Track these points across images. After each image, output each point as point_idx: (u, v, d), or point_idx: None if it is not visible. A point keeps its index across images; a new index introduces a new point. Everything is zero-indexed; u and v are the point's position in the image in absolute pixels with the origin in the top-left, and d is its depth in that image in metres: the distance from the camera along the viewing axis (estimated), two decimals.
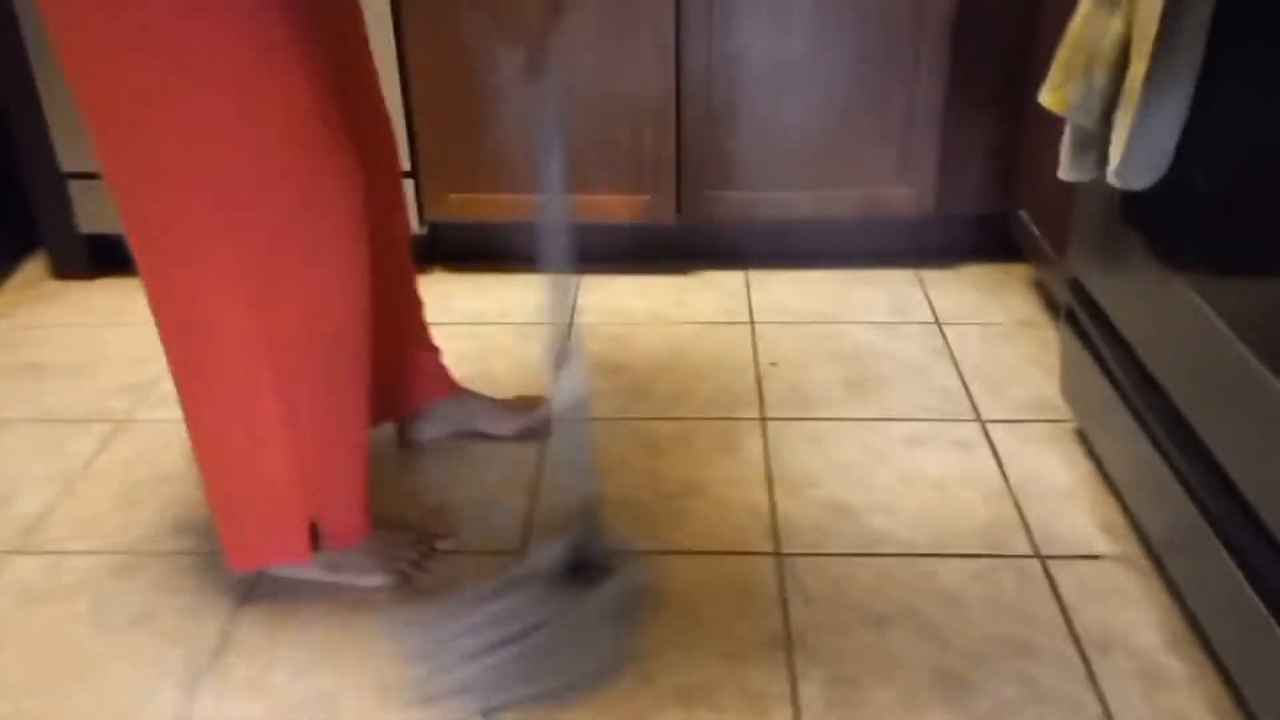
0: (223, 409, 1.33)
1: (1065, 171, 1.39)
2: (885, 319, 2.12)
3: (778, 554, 1.54)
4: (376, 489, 1.52)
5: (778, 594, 1.46)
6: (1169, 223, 1.33)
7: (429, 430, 1.76)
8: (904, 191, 2.16)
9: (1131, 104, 1.23)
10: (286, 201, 1.23)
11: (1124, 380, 1.44)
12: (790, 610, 1.43)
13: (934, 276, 2.26)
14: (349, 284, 1.33)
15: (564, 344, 1.41)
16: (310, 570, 1.46)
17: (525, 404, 1.82)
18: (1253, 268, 1.17)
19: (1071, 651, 1.36)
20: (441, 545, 1.53)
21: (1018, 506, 1.61)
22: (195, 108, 1.16)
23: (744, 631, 1.40)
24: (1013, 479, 1.67)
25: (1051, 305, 2.13)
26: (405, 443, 1.76)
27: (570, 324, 1.44)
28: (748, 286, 2.25)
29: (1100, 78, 1.30)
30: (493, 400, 1.80)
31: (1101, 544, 1.53)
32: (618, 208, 2.19)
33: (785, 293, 2.22)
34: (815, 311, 2.15)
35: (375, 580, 1.47)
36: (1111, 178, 1.29)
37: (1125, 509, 1.58)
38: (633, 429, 1.80)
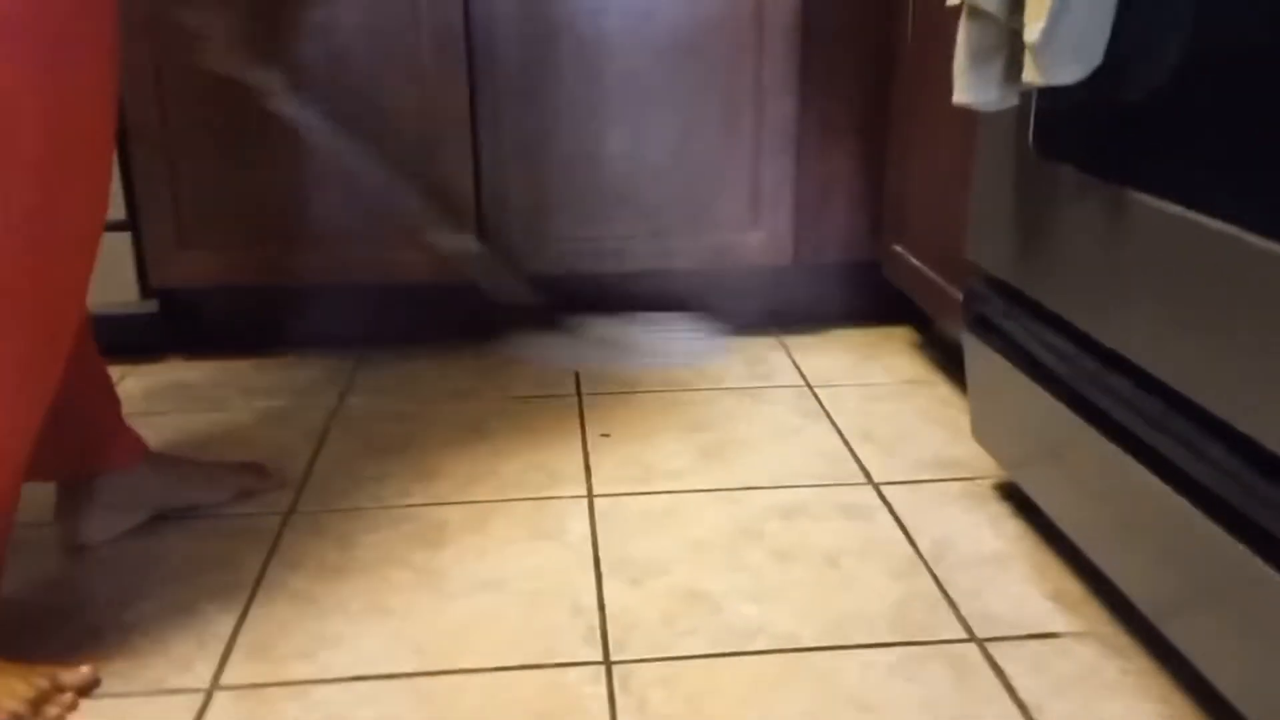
0: None
1: (963, 91, 1.04)
2: (745, 385, 1.71)
3: (607, 662, 1.04)
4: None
5: (606, 719, 0.96)
6: (1101, 140, 0.98)
7: (104, 523, 1.23)
8: (758, 236, 1.79)
9: None
10: None
11: (1073, 380, 1.04)
12: None
13: (799, 342, 1.88)
14: None
15: None
16: None
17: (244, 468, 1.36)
18: (1227, 154, 0.82)
19: None
20: (69, 683, 0.98)
21: (936, 580, 1.17)
22: None
23: None
24: (924, 548, 1.23)
25: (941, 365, 1.76)
26: (70, 544, 1.22)
27: None
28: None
29: None
30: (198, 463, 1.34)
31: (1056, 619, 1.10)
32: (409, 263, 1.75)
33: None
34: (659, 380, 1.72)
35: None
36: (1030, 74, 0.93)
37: (1081, 572, 1.16)
38: (407, 518, 1.30)
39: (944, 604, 1.12)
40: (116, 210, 1.67)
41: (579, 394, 1.68)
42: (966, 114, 1.38)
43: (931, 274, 1.57)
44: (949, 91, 1.07)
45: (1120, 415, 0.96)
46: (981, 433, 1.31)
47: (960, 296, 1.44)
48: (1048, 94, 1.04)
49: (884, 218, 1.79)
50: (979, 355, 1.26)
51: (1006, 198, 1.15)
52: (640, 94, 1.73)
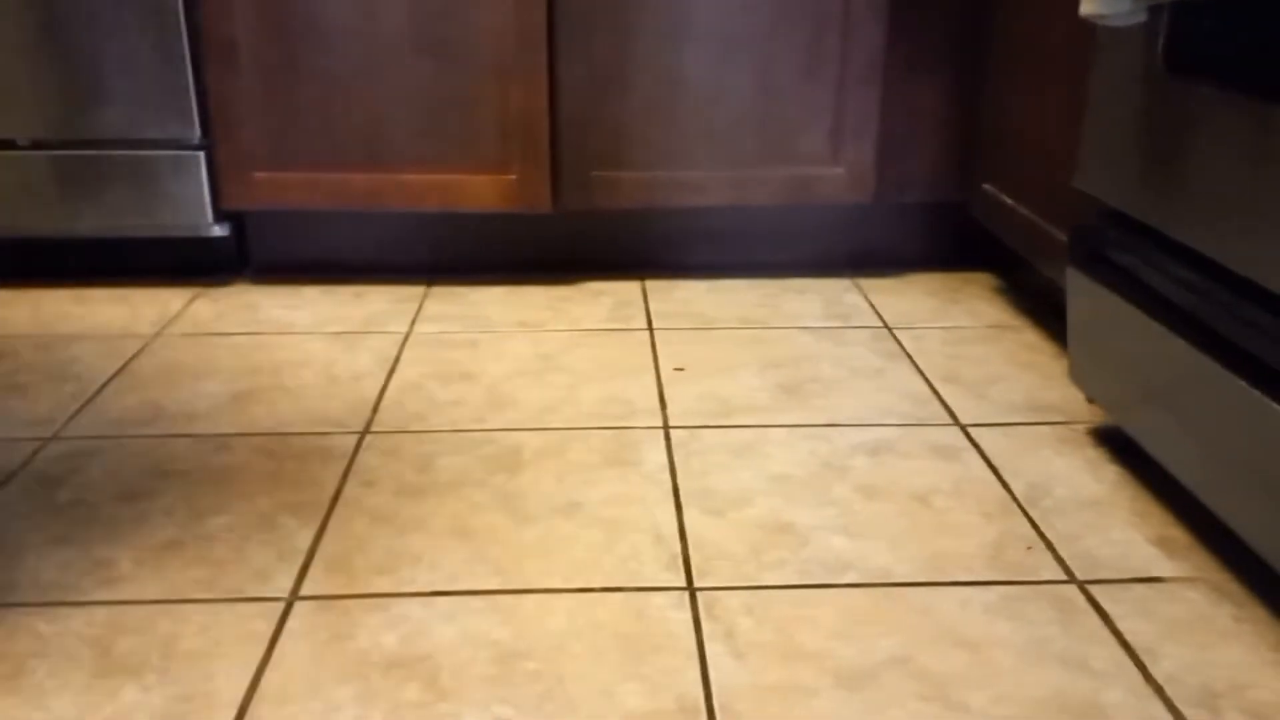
0: None
1: (1092, 1, 0.98)
2: (822, 324, 1.66)
3: (690, 589, 1.01)
4: None
5: (691, 644, 0.93)
6: (1246, 53, 0.91)
7: None
8: (838, 173, 1.74)
9: None
10: None
11: (1201, 312, 0.99)
12: (711, 666, 0.90)
13: (875, 285, 1.82)
14: None
15: None
16: None
17: None
18: None
19: (1159, 710, 0.86)
20: None
21: (1032, 522, 1.12)
22: None
23: (637, 699, 0.86)
24: (1018, 490, 1.18)
25: (1025, 310, 1.70)
26: None
27: None
28: (645, 296, 1.77)
29: None
30: None
31: (1161, 564, 1.05)
32: (478, 190, 1.72)
33: (692, 300, 1.75)
34: (733, 318, 1.68)
35: None
36: None
37: (1187, 518, 1.11)
38: (485, 441, 1.28)
39: (1042, 545, 1.08)
40: (191, 132, 1.65)
41: (650, 328, 1.64)
42: (1075, 39, 1.31)
43: (1027, 212, 1.50)
44: (1057, 15, 1.01)
45: (1255, 348, 0.90)
46: (1082, 375, 1.25)
47: (1062, 234, 1.38)
48: (1185, 5, 0.98)
49: (974, 154, 1.72)
50: (1085, 292, 1.20)
51: (1128, 122, 1.09)
52: (722, 20, 1.67)
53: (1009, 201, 1.56)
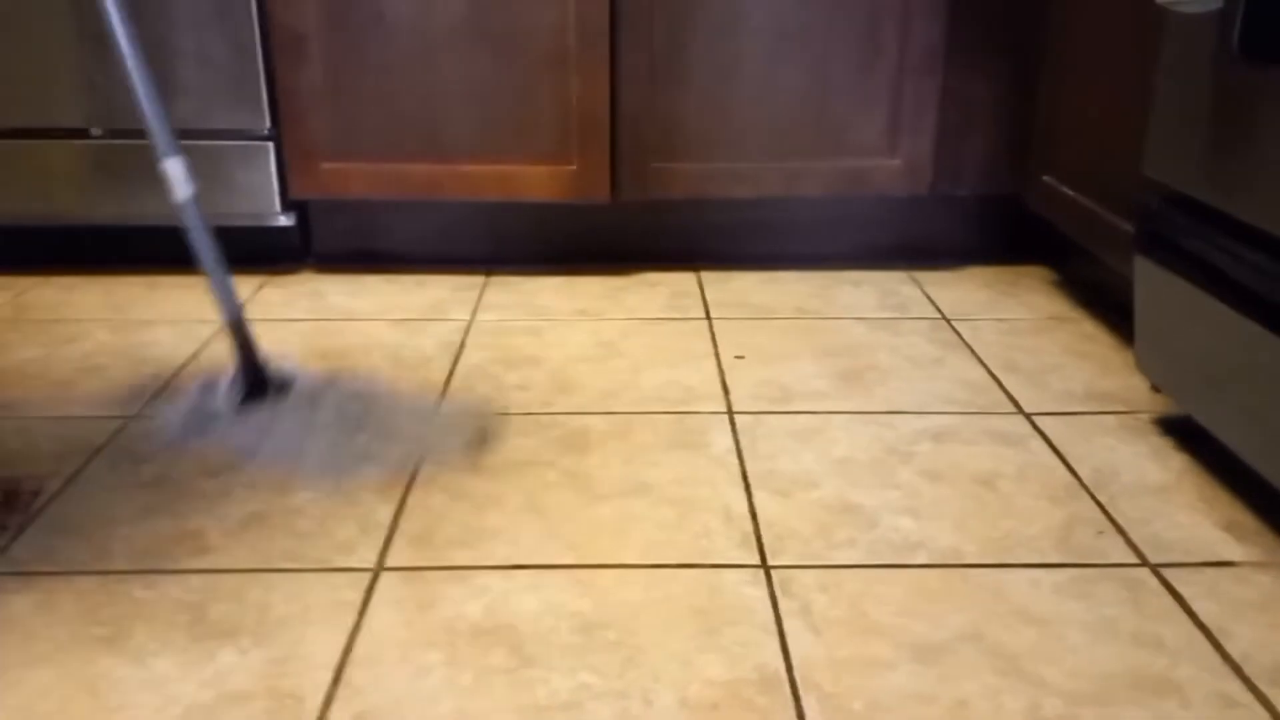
0: None
1: None
2: (878, 315, 1.67)
3: (764, 566, 1.03)
4: None
5: (769, 619, 0.95)
6: None
7: None
8: (893, 165, 1.75)
9: None
10: None
11: (1271, 294, 0.99)
12: (790, 640, 0.92)
13: (930, 276, 1.83)
14: None
15: None
16: None
17: None
18: None
19: (1236, 687, 0.86)
20: None
21: (1100, 506, 1.13)
22: None
23: (717, 669, 0.88)
24: (1084, 475, 1.19)
25: (1082, 302, 1.70)
26: None
27: None
28: (700, 286, 1.79)
29: None
30: None
31: (1231, 549, 1.05)
32: (536, 180, 1.75)
33: (747, 290, 1.77)
34: (789, 308, 1.69)
35: None
36: None
37: (1255, 505, 1.11)
38: (551, 424, 1.30)
39: (1111, 529, 1.09)
40: (260, 122, 1.69)
41: (708, 317, 1.66)
42: (1140, 27, 1.32)
43: (1088, 202, 1.51)
44: (1121, 4, 1.02)
45: None
46: (1149, 363, 1.26)
47: (1125, 223, 1.38)
48: None
49: (1031, 146, 1.72)
50: (1152, 279, 1.20)
51: (1200, 107, 1.10)
52: (779, 11, 1.69)
53: (1069, 192, 1.57)
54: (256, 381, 1.29)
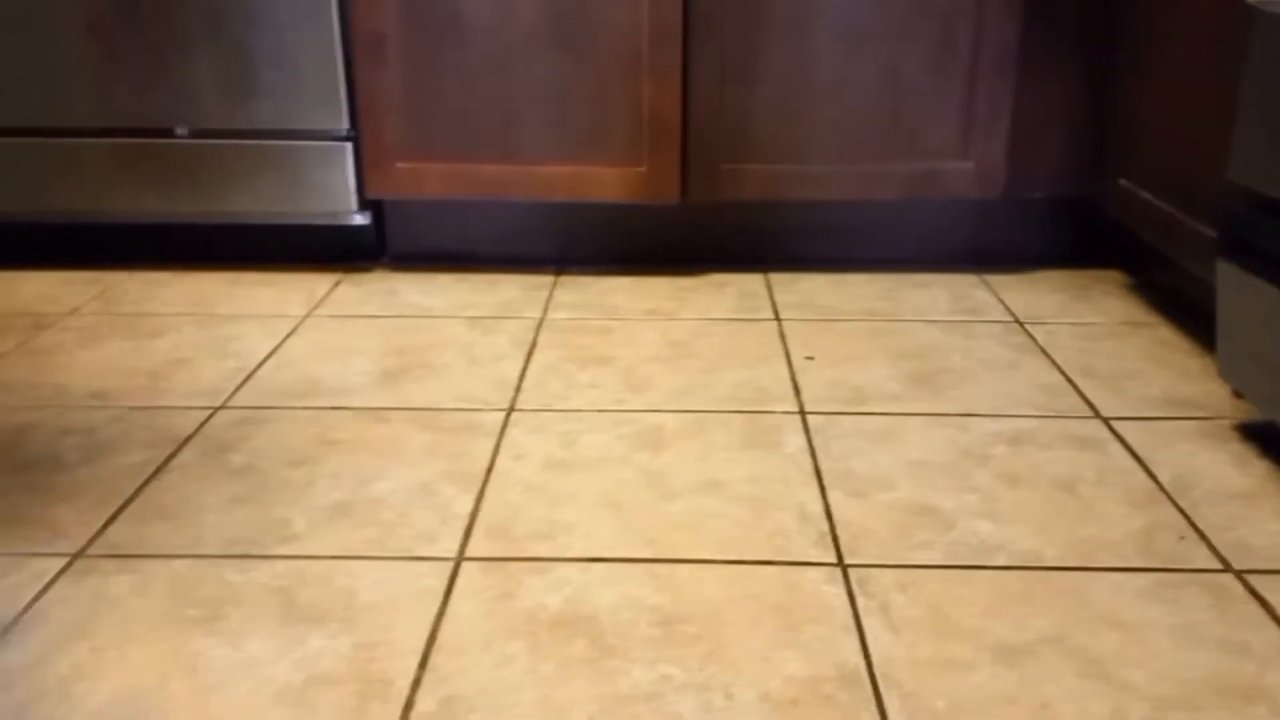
0: None
1: None
2: (950, 318, 1.66)
3: (841, 565, 1.03)
4: None
5: (848, 617, 0.95)
6: None
7: None
8: (966, 167, 1.74)
9: None
10: None
11: None
12: (869, 638, 0.92)
13: (1001, 280, 1.82)
14: None
15: None
16: None
17: None
18: None
19: None
20: None
21: (1182, 512, 1.12)
22: None
23: (796, 665, 0.89)
24: (1165, 481, 1.18)
25: (1158, 308, 1.68)
26: None
27: None
28: (769, 288, 1.80)
29: None
30: None
31: None
32: (607, 181, 1.76)
33: (815, 292, 1.76)
34: (858, 310, 1.69)
35: None
36: None
37: None
38: (624, 421, 1.32)
39: (1193, 535, 1.07)
40: (340, 123, 1.73)
41: (777, 318, 1.66)
42: (1225, 28, 1.30)
43: (1168, 207, 1.48)
44: (1203, 5, 1.01)
45: None
46: (1231, 369, 1.24)
47: (1206, 228, 1.36)
48: None
49: (1107, 149, 1.70)
50: (1236, 284, 1.19)
51: None
52: (851, 12, 1.69)
53: (1146, 196, 1.55)
54: None
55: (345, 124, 1.73)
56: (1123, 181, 1.63)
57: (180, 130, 1.75)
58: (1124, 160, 1.64)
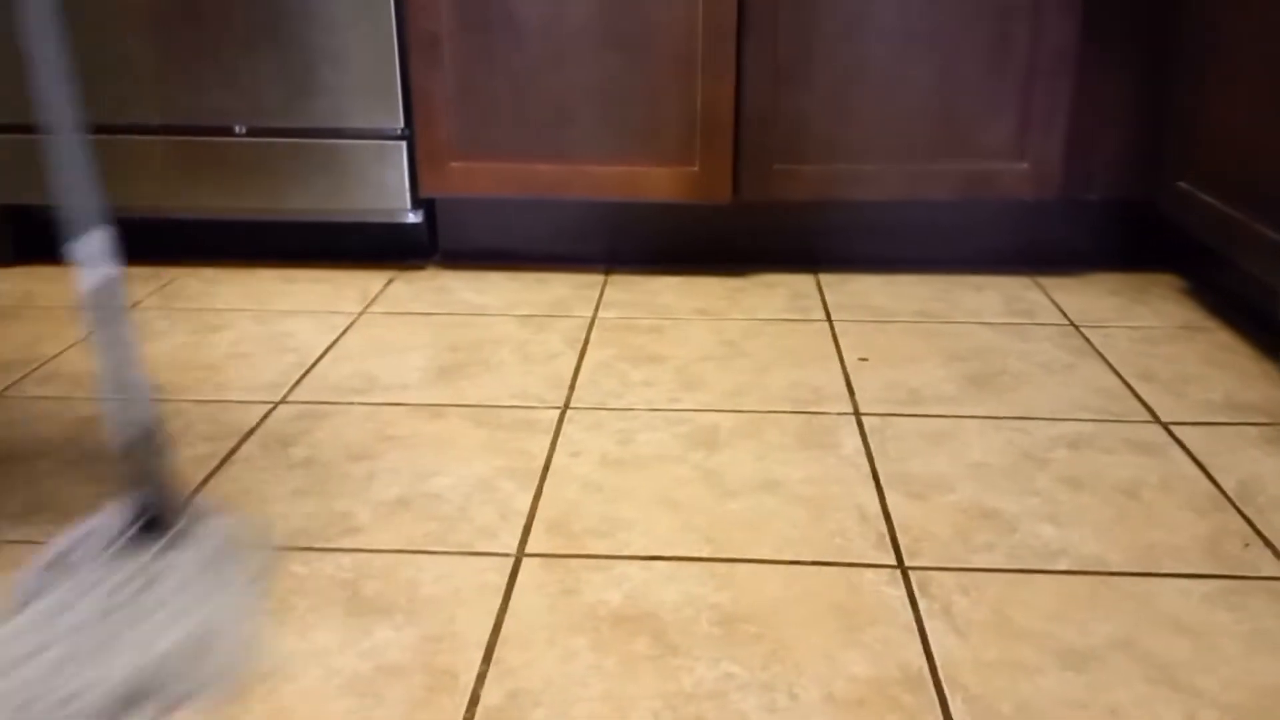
0: None
1: None
2: (1004, 320, 1.65)
3: (902, 567, 1.03)
4: None
5: (910, 619, 0.95)
6: None
7: None
8: (1021, 168, 1.72)
9: None
10: None
11: None
12: (932, 640, 0.92)
13: (1056, 282, 1.80)
14: None
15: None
16: None
17: None
18: None
19: None
20: None
21: (1247, 519, 1.11)
22: None
23: (860, 666, 0.88)
24: (1229, 487, 1.16)
25: (1217, 311, 1.65)
26: None
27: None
28: (819, 288, 1.79)
29: None
30: None
31: None
32: (659, 181, 1.77)
33: (867, 293, 1.76)
34: (911, 311, 1.68)
35: None
36: None
37: None
38: (679, 420, 1.32)
39: (1258, 542, 1.06)
40: (395, 122, 1.74)
41: (829, 319, 1.66)
42: None
43: (1229, 209, 1.46)
44: (1266, 5, 0.99)
45: None
46: None
47: (1270, 230, 1.34)
48: None
49: (1165, 150, 1.68)
50: None
51: None
52: (905, 12, 1.68)
53: (1207, 198, 1.53)
54: (150, 523, 0.99)
55: (400, 123, 1.74)
56: (1182, 184, 1.61)
57: (239, 128, 1.78)
58: (1183, 162, 1.62)
